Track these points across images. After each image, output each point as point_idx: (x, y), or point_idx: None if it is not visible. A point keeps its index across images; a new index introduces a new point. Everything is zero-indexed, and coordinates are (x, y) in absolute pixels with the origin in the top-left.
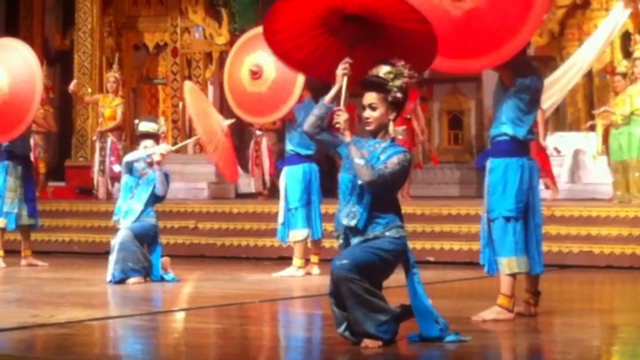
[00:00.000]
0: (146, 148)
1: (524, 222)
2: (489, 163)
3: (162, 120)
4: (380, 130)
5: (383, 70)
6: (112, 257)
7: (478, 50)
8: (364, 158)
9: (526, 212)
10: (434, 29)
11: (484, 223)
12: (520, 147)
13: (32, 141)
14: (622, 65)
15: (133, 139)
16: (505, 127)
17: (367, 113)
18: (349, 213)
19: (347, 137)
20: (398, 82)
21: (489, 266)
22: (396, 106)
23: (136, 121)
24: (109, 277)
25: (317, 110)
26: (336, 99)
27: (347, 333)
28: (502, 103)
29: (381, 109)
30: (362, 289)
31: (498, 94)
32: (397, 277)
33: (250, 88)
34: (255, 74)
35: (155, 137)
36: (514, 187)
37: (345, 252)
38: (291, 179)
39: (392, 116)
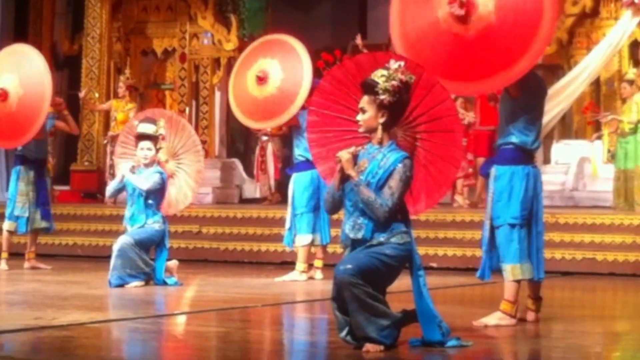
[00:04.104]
0: (142, 150)
1: (528, 229)
2: (495, 170)
3: (162, 122)
4: (370, 132)
5: (378, 73)
6: (111, 263)
7: (494, 69)
8: (372, 193)
9: (529, 219)
10: None
11: (486, 230)
12: (526, 156)
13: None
14: (630, 72)
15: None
16: (512, 136)
17: (359, 115)
18: (354, 225)
19: (354, 178)
20: (385, 85)
21: (481, 272)
22: (387, 109)
23: (135, 122)
24: (108, 283)
25: (330, 196)
26: (342, 182)
27: (348, 337)
28: (508, 112)
29: (370, 112)
30: (365, 293)
31: (504, 103)
32: (400, 282)
33: (254, 93)
34: (261, 80)
35: (153, 138)
36: (520, 194)
37: (348, 257)
38: (299, 185)
39: (381, 119)
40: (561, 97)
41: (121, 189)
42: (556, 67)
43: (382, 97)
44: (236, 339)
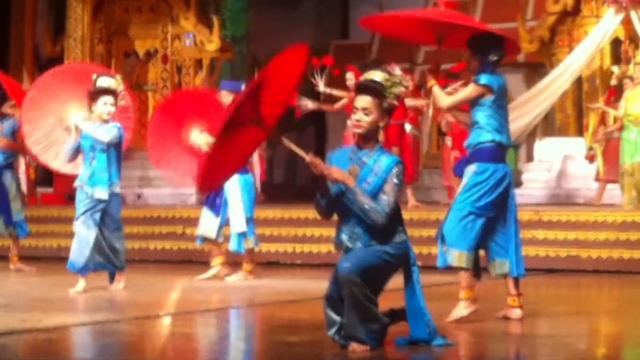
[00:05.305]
0: (106, 105)
1: (492, 224)
2: (476, 167)
3: (119, 77)
4: (370, 135)
5: (380, 76)
6: (83, 251)
7: None
8: (369, 200)
9: (504, 216)
10: None
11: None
12: (504, 154)
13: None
14: (631, 69)
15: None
16: (490, 134)
17: (359, 116)
18: (351, 235)
19: (350, 183)
20: (396, 90)
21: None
22: (389, 113)
23: (94, 76)
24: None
25: (317, 204)
26: (327, 190)
27: (336, 337)
28: (482, 111)
29: (374, 115)
30: (363, 294)
31: (477, 102)
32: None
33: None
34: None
35: (114, 93)
36: (493, 191)
37: (351, 255)
38: (246, 187)
39: (381, 123)
40: (544, 95)
41: (78, 148)
42: (538, 66)
43: (393, 101)
44: (222, 339)
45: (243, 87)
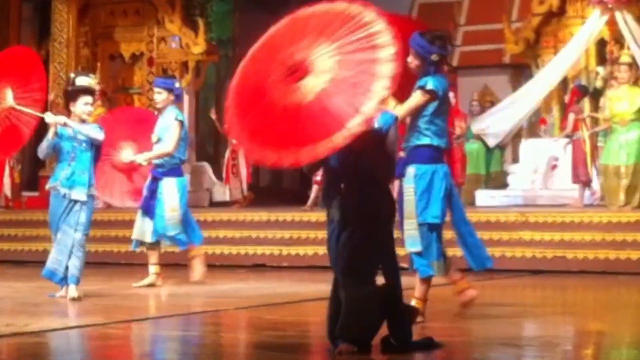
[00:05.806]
0: (87, 105)
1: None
2: (415, 169)
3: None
4: None
5: None
6: (62, 259)
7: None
8: None
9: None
10: None
11: (413, 229)
12: (442, 155)
13: None
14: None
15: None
16: (428, 139)
17: None
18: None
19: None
20: None
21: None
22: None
23: (72, 75)
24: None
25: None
26: None
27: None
28: (424, 116)
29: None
30: (361, 296)
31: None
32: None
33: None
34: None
35: (93, 93)
36: (440, 193)
37: (335, 257)
38: (183, 190)
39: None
40: (530, 97)
41: (56, 145)
42: (523, 67)
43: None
44: (209, 342)
45: (176, 84)
